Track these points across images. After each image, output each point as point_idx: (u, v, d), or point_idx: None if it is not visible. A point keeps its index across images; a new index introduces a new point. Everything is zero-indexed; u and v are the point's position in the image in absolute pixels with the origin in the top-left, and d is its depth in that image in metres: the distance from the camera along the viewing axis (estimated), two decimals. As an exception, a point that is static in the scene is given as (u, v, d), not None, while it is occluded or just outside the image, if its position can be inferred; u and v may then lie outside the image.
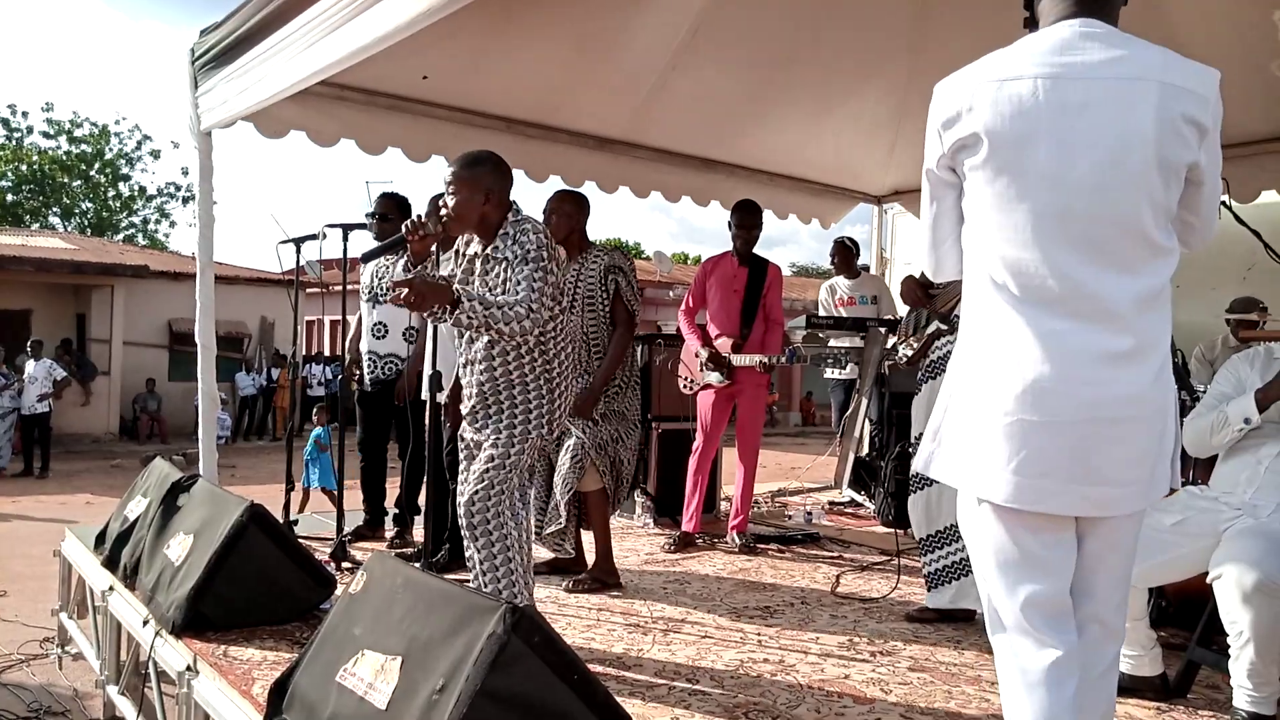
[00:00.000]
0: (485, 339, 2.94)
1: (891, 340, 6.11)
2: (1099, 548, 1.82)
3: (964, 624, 3.54)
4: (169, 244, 34.44)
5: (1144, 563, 2.70)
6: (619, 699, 2.20)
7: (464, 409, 3.08)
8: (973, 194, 1.79)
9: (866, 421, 6.37)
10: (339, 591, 3.51)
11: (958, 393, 1.83)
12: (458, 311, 2.72)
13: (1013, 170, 1.72)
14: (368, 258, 3.12)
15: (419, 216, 2.90)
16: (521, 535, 2.97)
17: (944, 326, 3.43)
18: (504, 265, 2.93)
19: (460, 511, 2.96)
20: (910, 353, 3.54)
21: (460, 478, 3.08)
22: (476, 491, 2.91)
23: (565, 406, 3.05)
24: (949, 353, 3.34)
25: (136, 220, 35.62)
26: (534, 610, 2.10)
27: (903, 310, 6.60)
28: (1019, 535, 1.77)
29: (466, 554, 3.07)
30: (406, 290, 2.68)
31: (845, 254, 6.89)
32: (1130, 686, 2.82)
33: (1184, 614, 3.24)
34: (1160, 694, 2.80)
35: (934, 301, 3.46)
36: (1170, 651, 2.91)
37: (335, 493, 4.86)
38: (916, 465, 1.93)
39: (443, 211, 2.92)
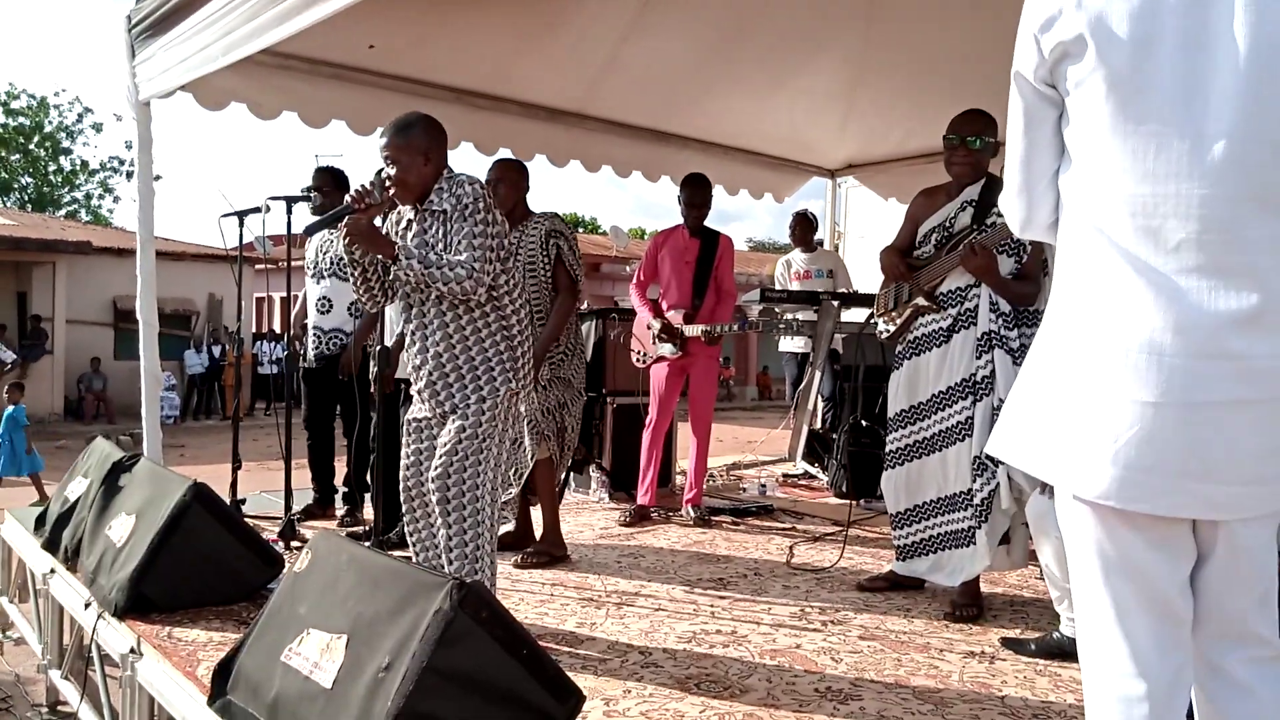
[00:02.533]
0: (436, 306, 2.88)
1: (852, 314, 6.15)
2: (1229, 556, 1.49)
3: (914, 592, 3.58)
4: (113, 220, 33.67)
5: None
6: (571, 673, 2.20)
7: (415, 387, 3.01)
8: (1076, 116, 1.49)
9: (819, 395, 6.41)
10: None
11: (1048, 365, 1.53)
12: (395, 268, 2.70)
13: (1130, 84, 1.40)
14: (310, 230, 3.07)
15: (364, 185, 2.84)
16: (494, 514, 2.90)
17: (925, 303, 3.36)
18: (440, 219, 2.86)
19: (431, 487, 2.85)
20: (891, 328, 3.49)
21: (406, 458, 3.02)
22: (450, 464, 2.81)
23: (528, 364, 2.98)
24: (934, 331, 3.34)
25: (79, 195, 34.77)
26: (481, 586, 2.08)
27: (858, 285, 6.66)
28: (1122, 535, 1.48)
29: (409, 528, 3.03)
30: (349, 230, 2.71)
31: (805, 225, 6.90)
32: (1075, 651, 2.85)
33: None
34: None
35: (917, 276, 3.41)
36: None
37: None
38: (990, 449, 1.66)
39: (387, 182, 2.85)
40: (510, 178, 4.03)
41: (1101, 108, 1.43)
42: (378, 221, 2.95)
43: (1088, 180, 1.48)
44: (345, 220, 2.78)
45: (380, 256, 2.86)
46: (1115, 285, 1.43)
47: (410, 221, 2.99)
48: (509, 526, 4.22)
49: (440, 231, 2.86)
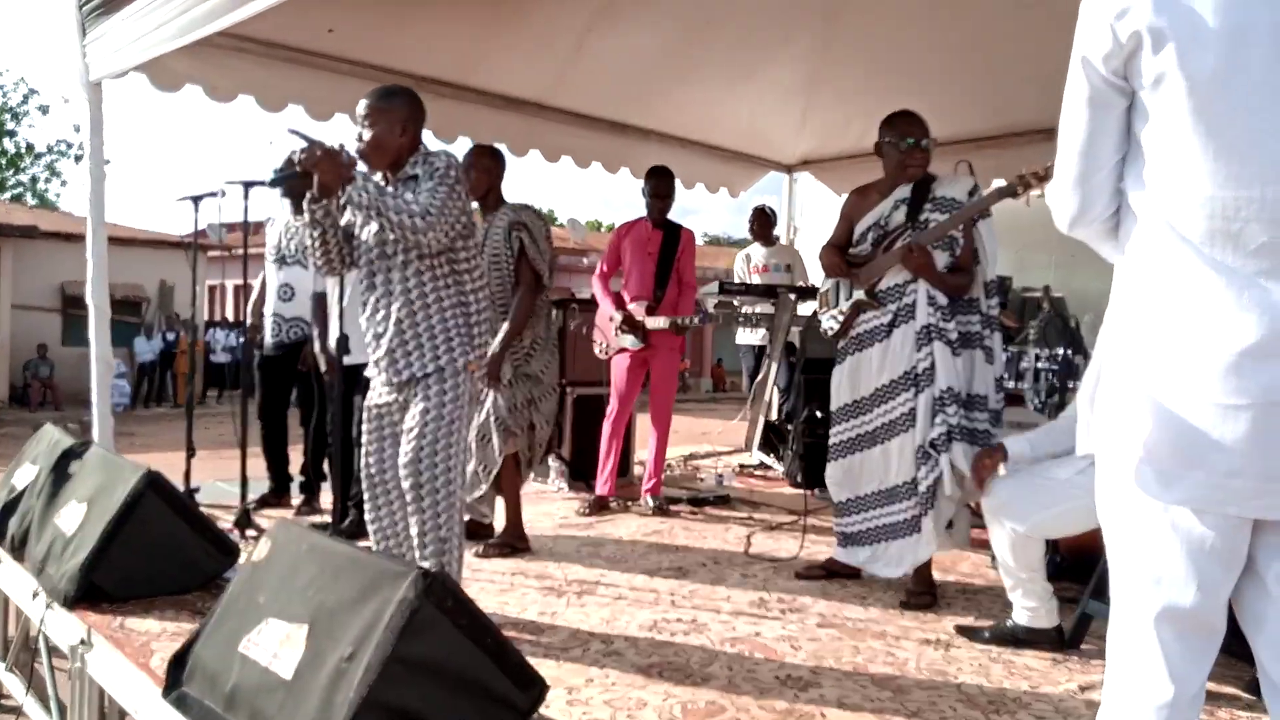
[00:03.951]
0: (401, 271, 2.84)
1: (808, 307, 6.19)
2: None
3: (867, 581, 3.62)
4: (60, 204, 32.83)
5: (1041, 513, 2.81)
6: (534, 661, 2.20)
7: (372, 369, 2.96)
8: (1153, 112, 1.39)
9: (775, 387, 6.45)
10: (242, 560, 3.42)
11: (1123, 368, 1.47)
12: (352, 186, 2.65)
13: (1215, 81, 1.32)
14: (276, 183, 3.01)
15: (340, 144, 2.78)
16: (462, 498, 2.89)
17: (866, 299, 3.42)
18: (412, 186, 2.83)
19: (402, 474, 2.81)
20: (835, 325, 3.55)
21: (367, 445, 2.99)
22: (421, 449, 2.78)
23: (484, 342, 2.96)
24: (875, 327, 3.40)
25: (24, 179, 33.83)
26: (446, 575, 2.08)
27: (815, 280, 6.70)
28: (1182, 538, 1.43)
29: (370, 517, 3.00)
30: (305, 152, 2.67)
31: (764, 220, 6.93)
32: (1027, 639, 2.93)
33: (1076, 569, 3.38)
34: (1056, 645, 2.92)
35: (858, 273, 3.47)
36: (1064, 604, 3.03)
37: None
38: (1080, 449, 1.60)
39: (353, 146, 2.82)
40: (484, 164, 3.98)
41: (1182, 105, 1.35)
42: None
43: (1162, 180, 1.41)
44: (313, 142, 2.71)
45: (338, 188, 2.72)
46: (1193, 288, 1.38)
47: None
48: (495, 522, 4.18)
49: (410, 195, 2.81)
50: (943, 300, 3.31)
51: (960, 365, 3.29)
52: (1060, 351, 4.41)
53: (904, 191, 3.44)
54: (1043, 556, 2.92)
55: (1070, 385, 4.17)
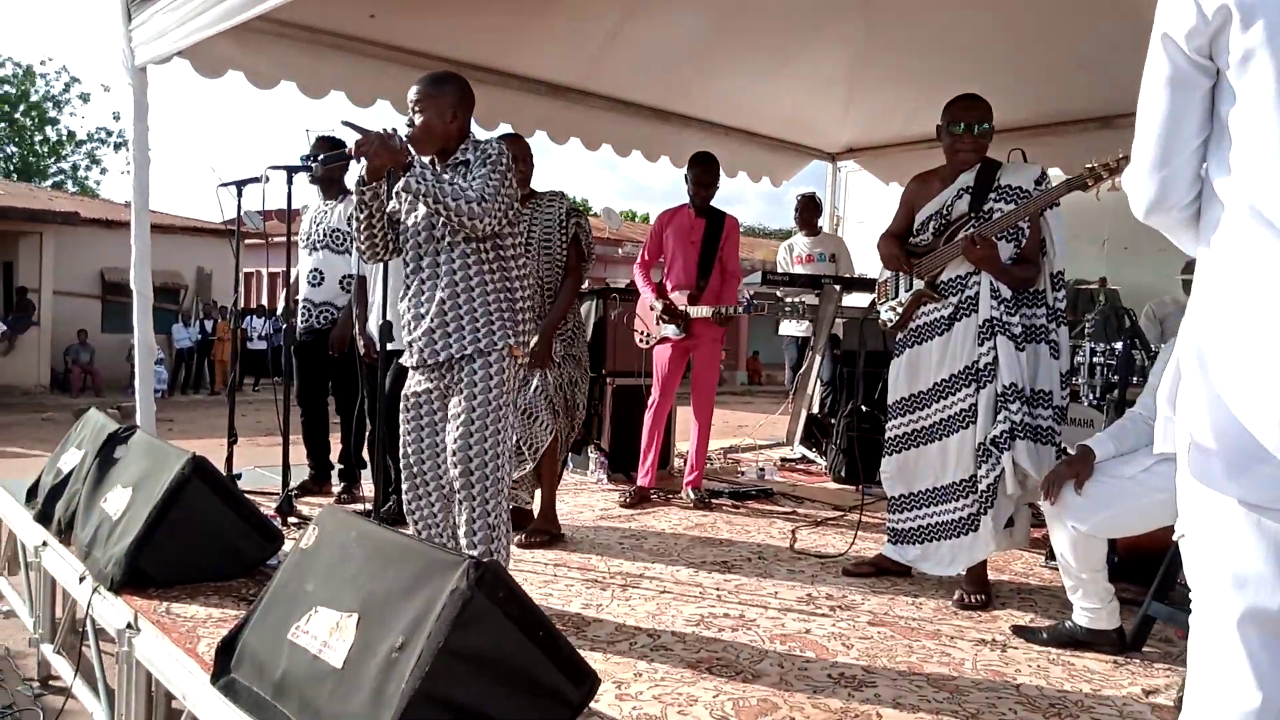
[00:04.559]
0: (448, 253, 2.82)
1: (854, 298, 6.10)
2: None
3: (918, 579, 3.54)
4: (100, 191, 33.31)
5: (1105, 511, 2.71)
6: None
7: (411, 356, 2.92)
8: (1241, 93, 1.33)
9: (818, 379, 6.37)
10: (287, 547, 3.41)
11: (1205, 363, 1.41)
12: (409, 174, 2.66)
13: None
14: (327, 161, 3.05)
15: (390, 128, 2.80)
16: (509, 486, 2.87)
17: (927, 290, 3.33)
18: (461, 171, 2.83)
19: (452, 462, 2.79)
20: (894, 316, 3.46)
21: (405, 435, 2.96)
22: (470, 437, 2.75)
23: (527, 326, 2.93)
24: (935, 319, 3.32)
25: (65, 166, 34.35)
26: (498, 565, 2.03)
27: (860, 270, 6.61)
28: (1269, 539, 1.37)
29: (410, 506, 2.98)
30: (362, 140, 2.69)
31: (811, 208, 6.85)
32: (1088, 640, 2.84)
33: (1134, 569, 3.27)
34: (1117, 647, 2.82)
35: (918, 265, 3.38)
36: (1122, 605, 2.93)
37: None
38: (1158, 447, 1.54)
39: (405, 130, 2.83)
40: (524, 155, 3.96)
41: (1271, 85, 1.28)
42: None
43: (1249, 165, 1.33)
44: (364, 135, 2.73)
45: (393, 171, 2.76)
46: None
47: None
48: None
49: (462, 181, 2.80)
50: (1006, 293, 3.20)
51: (1024, 360, 3.18)
52: (1117, 346, 4.29)
53: (967, 179, 3.32)
54: (1105, 557, 2.83)
55: (1133, 380, 4.04)
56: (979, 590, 3.29)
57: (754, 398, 18.73)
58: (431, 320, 2.83)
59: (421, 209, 2.82)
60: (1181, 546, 2.42)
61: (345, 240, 4.63)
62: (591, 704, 2.15)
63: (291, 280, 4.88)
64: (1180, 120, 1.40)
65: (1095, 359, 4.41)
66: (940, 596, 3.36)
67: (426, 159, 2.89)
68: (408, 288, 2.91)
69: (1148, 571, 2.99)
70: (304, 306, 4.68)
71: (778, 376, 22.88)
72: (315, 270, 4.66)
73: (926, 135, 6.37)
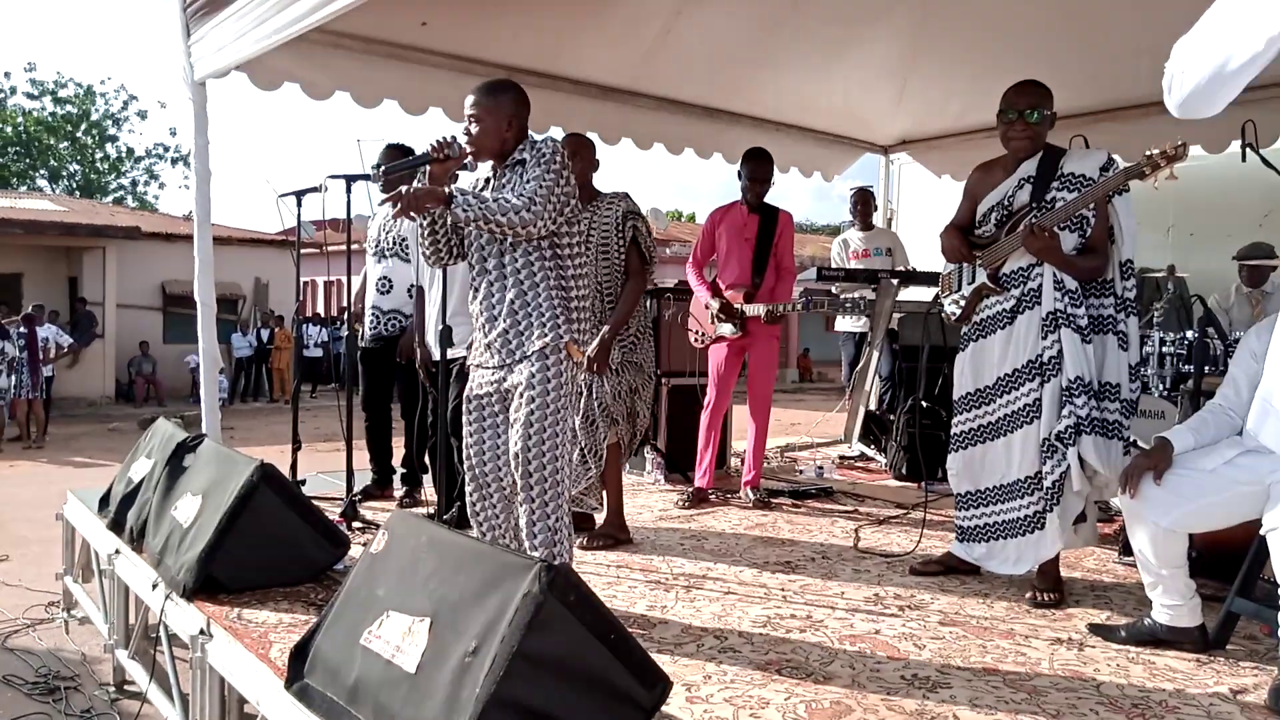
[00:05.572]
0: (510, 253, 2.85)
1: (911, 293, 6.02)
2: None
3: (987, 577, 3.47)
4: (158, 206, 34.11)
5: (1186, 505, 2.62)
6: (652, 658, 2.13)
7: (480, 352, 2.94)
8: None
9: (876, 376, 6.29)
10: (355, 552, 3.44)
11: None
12: (453, 205, 2.69)
13: None
14: (389, 173, 3.09)
15: (449, 136, 2.86)
16: (570, 488, 2.87)
17: (989, 283, 3.28)
18: (519, 171, 2.86)
19: (513, 464, 2.80)
20: (957, 310, 3.41)
21: (468, 437, 2.98)
22: (529, 438, 2.76)
23: (584, 325, 2.93)
24: (998, 313, 3.26)
25: (125, 182, 35.27)
26: (569, 568, 2.02)
27: (916, 263, 6.52)
28: None
29: (475, 508, 2.99)
30: (396, 200, 2.71)
31: (866, 202, 6.78)
32: (1168, 638, 2.76)
33: (1213, 564, 3.17)
34: (1199, 645, 2.74)
35: (980, 255, 3.31)
36: (1203, 602, 2.84)
37: None
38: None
39: (463, 138, 2.88)
40: (585, 154, 3.94)
41: None
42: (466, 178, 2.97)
43: None
44: (398, 190, 2.76)
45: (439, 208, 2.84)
46: None
47: (488, 180, 2.98)
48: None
49: (517, 182, 2.85)
50: (1071, 284, 3.12)
51: (1091, 352, 3.10)
52: (1188, 334, 4.17)
53: (1029, 168, 3.25)
54: (1185, 552, 2.74)
55: (1206, 370, 3.91)
56: (1052, 588, 3.22)
57: (806, 395, 18.59)
58: (505, 320, 2.86)
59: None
60: (1270, 541, 2.33)
61: (413, 249, 4.67)
62: (663, 708, 2.13)
63: (358, 287, 4.94)
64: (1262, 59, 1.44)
65: (1165, 349, 4.28)
66: (1012, 595, 3.29)
67: (487, 163, 2.94)
68: (476, 289, 2.95)
69: (1225, 567, 2.90)
70: (372, 313, 4.73)
71: (829, 374, 22.69)
72: (384, 278, 4.71)
73: (980, 125, 6.29)
